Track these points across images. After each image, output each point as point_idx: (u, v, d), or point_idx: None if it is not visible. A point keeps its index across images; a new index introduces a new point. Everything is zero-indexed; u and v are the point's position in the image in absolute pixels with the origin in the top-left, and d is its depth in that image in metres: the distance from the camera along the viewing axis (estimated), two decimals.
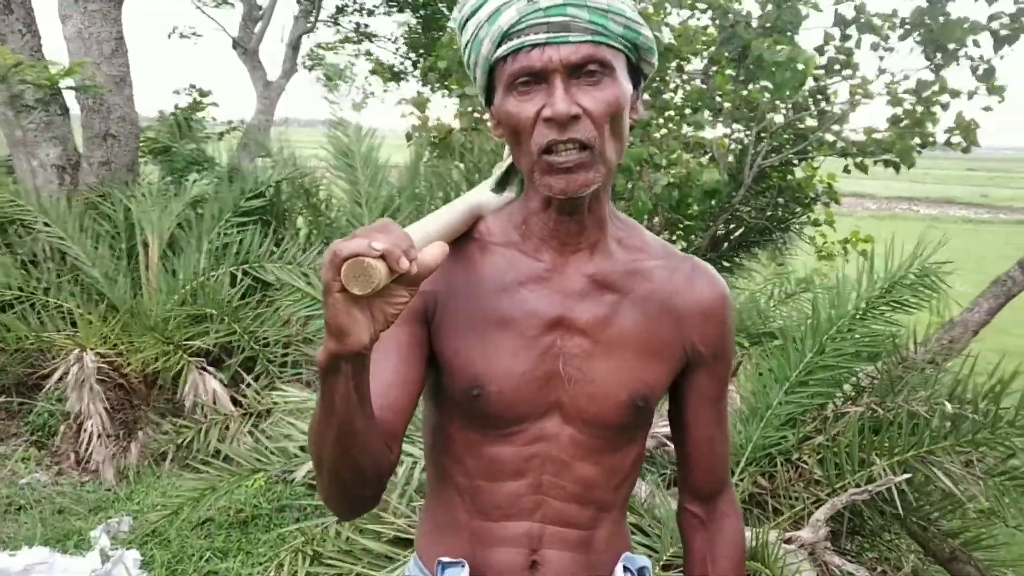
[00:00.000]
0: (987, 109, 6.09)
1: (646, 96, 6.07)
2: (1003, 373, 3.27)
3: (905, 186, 31.38)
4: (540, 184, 1.17)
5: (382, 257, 0.93)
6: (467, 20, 1.19)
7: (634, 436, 1.33)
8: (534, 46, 1.12)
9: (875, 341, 3.74)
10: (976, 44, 5.89)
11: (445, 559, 1.31)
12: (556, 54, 1.11)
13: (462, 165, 5.96)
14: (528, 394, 1.25)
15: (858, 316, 3.71)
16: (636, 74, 1.22)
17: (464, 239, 1.28)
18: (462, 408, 1.27)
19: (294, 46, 9.41)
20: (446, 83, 6.70)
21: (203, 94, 8.69)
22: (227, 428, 4.36)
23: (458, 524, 1.33)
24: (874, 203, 28.56)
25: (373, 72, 10.88)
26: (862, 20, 6.22)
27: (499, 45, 1.15)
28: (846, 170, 6.69)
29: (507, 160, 1.35)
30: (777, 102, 6.39)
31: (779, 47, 5.70)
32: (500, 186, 1.35)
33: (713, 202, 6.35)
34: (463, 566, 1.30)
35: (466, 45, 1.21)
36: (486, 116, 5.01)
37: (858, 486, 3.22)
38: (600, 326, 1.25)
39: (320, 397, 1.05)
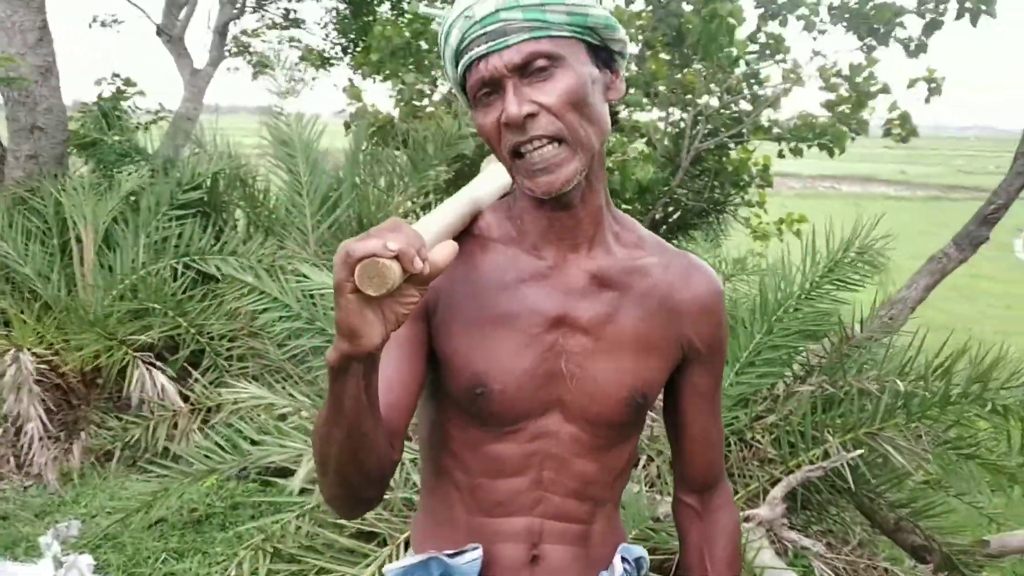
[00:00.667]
0: (927, 101, 6.28)
1: None
2: (953, 349, 3.39)
3: (827, 165, 31.94)
4: (524, 187, 1.19)
5: (396, 257, 0.93)
6: (442, 50, 1.22)
7: (631, 433, 1.35)
8: (479, 58, 1.14)
9: (820, 320, 3.84)
10: (902, 26, 6.07)
11: (449, 551, 1.31)
12: (499, 61, 1.13)
13: (398, 152, 5.92)
14: (530, 392, 1.25)
15: (803, 296, 3.80)
16: (607, 53, 1.22)
17: (463, 236, 1.27)
18: (463, 406, 1.27)
19: (221, 32, 9.18)
20: (380, 71, 6.60)
21: (128, 83, 8.47)
22: (175, 425, 4.29)
23: (456, 521, 1.33)
24: (798, 182, 29.13)
25: (303, 59, 10.72)
26: (784, 1, 6.34)
27: (457, 66, 1.18)
28: (780, 154, 6.83)
29: None
30: (712, 85, 6.47)
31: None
32: None
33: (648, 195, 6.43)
34: (477, 548, 1.30)
35: (445, 68, 1.25)
36: (424, 102, 4.94)
37: (811, 463, 3.30)
38: (601, 324, 1.26)
39: (329, 398, 1.04)
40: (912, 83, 6.29)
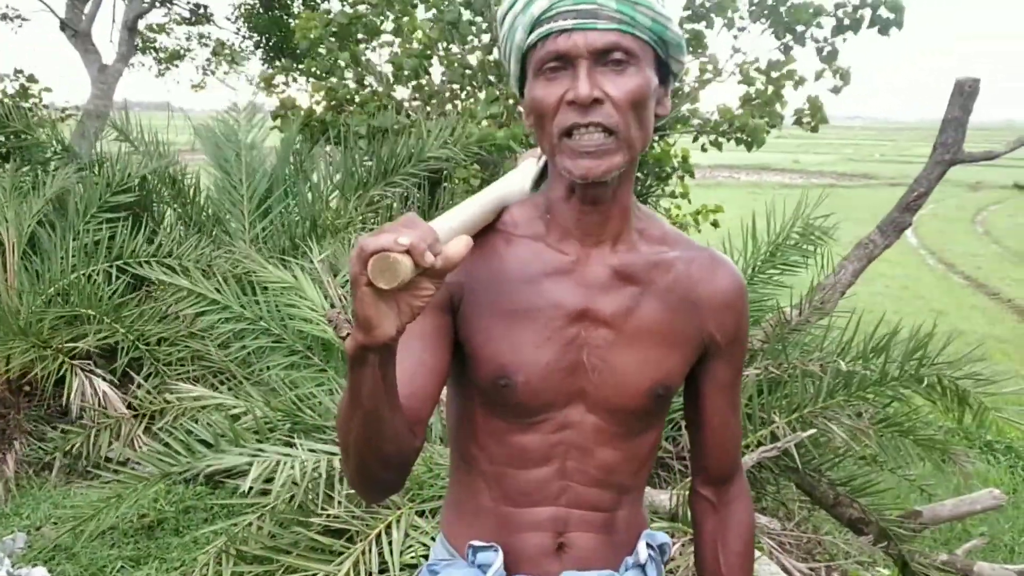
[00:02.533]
0: (836, 91, 6.54)
1: None
2: (890, 327, 3.58)
3: (725, 155, 32.85)
4: (561, 168, 1.20)
5: (408, 252, 0.95)
6: (505, 15, 1.23)
7: (652, 423, 1.38)
8: (562, 31, 1.15)
9: (760, 306, 4.00)
10: (819, 26, 6.31)
11: (477, 543, 1.34)
12: (582, 39, 1.14)
13: (330, 148, 5.88)
14: (554, 384, 1.28)
15: (747, 282, 3.96)
16: (665, 70, 1.26)
17: (488, 230, 1.30)
18: (488, 397, 1.30)
19: (130, 28, 8.90)
20: (315, 49, 6.46)
21: (32, 80, 8.18)
22: (118, 432, 4.19)
23: (483, 509, 1.36)
24: (699, 172, 29.71)
25: (215, 54, 10.52)
26: (708, 4, 6.51)
27: (531, 32, 1.18)
28: (703, 148, 7.02)
29: (541, 160, 1.37)
30: None
31: None
32: (536, 187, 1.37)
33: None
34: (496, 551, 1.33)
35: (503, 38, 1.25)
36: (355, 99, 4.82)
37: (760, 443, 3.44)
38: (623, 318, 1.29)
39: (347, 386, 1.08)
40: (819, 74, 6.56)
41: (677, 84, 6.72)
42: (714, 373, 1.39)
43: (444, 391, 1.36)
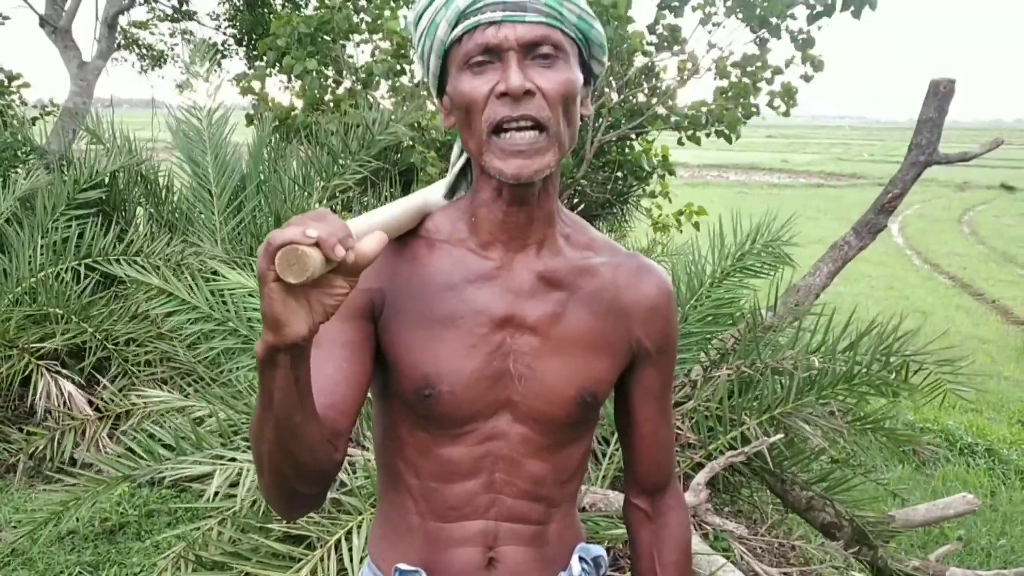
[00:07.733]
0: (807, 79, 6.53)
1: None
2: (854, 327, 3.55)
3: (713, 154, 32.99)
4: (491, 169, 1.16)
5: (317, 245, 0.91)
6: (423, 11, 1.18)
7: (582, 432, 1.34)
8: (490, 24, 1.13)
9: (732, 306, 3.97)
10: (793, 17, 6.29)
11: (403, 566, 1.30)
12: (512, 32, 1.12)
13: (303, 148, 5.83)
14: (479, 393, 1.24)
15: (713, 284, 3.93)
16: (587, 71, 1.23)
17: (411, 236, 1.27)
18: (412, 408, 1.25)
19: (110, 24, 8.82)
20: (284, 57, 6.42)
21: (11, 77, 8.11)
22: (83, 433, 4.13)
23: (411, 527, 1.32)
24: (687, 171, 29.76)
25: (196, 50, 10.44)
26: None
27: (455, 26, 1.15)
28: (680, 142, 6.98)
29: (457, 164, 1.33)
30: (611, 79, 6.56)
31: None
32: (451, 193, 1.33)
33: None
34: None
35: (420, 36, 1.20)
36: (327, 96, 4.78)
37: (731, 446, 3.40)
38: (549, 324, 1.26)
39: (259, 392, 1.02)
40: (789, 62, 6.56)
41: (656, 83, 6.80)
42: (643, 381, 1.37)
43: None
